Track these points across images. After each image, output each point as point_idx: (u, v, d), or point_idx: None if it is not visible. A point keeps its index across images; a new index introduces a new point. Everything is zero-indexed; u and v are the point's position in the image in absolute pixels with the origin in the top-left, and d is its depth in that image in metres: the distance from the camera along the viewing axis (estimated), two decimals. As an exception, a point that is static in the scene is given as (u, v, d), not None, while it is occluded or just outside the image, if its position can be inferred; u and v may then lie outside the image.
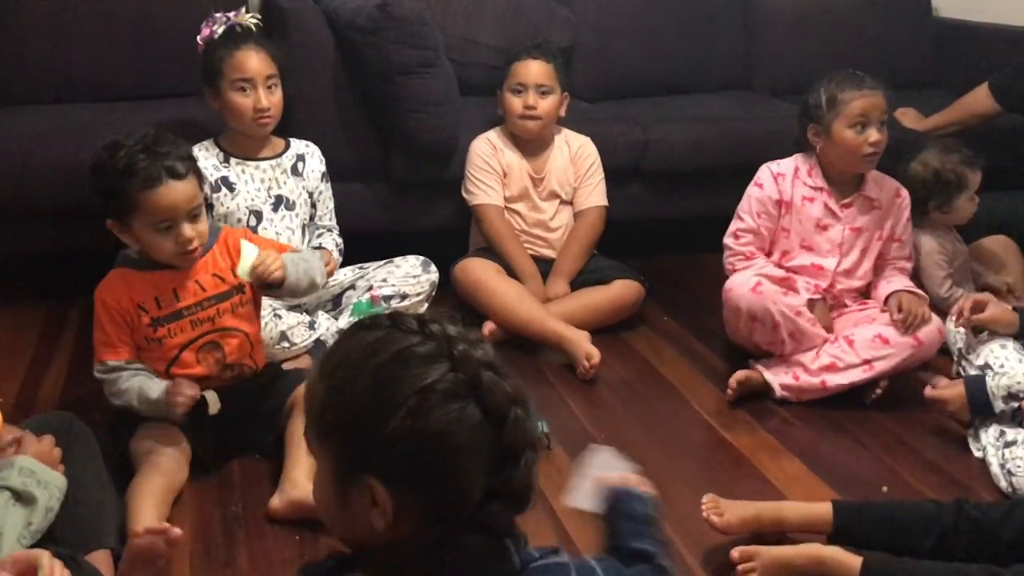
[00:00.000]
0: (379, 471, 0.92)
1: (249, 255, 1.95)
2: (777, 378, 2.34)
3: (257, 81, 2.32)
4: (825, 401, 2.32)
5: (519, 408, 0.95)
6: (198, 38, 2.39)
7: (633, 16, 3.35)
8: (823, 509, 1.75)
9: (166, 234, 1.87)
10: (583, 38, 3.29)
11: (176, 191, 1.85)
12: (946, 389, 2.16)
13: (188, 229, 1.87)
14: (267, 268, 1.94)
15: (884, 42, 3.51)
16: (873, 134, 2.30)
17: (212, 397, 1.96)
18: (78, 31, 2.89)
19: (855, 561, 1.61)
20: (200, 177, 1.94)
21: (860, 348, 2.29)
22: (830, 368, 2.31)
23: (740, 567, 1.65)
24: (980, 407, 2.10)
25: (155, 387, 1.89)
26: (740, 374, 2.34)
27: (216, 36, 2.36)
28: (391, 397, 0.92)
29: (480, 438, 0.93)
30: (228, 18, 2.37)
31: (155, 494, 1.77)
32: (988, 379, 2.09)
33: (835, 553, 1.65)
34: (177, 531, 1.48)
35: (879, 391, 2.32)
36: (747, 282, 2.34)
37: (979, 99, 2.96)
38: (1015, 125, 3.02)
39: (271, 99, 2.35)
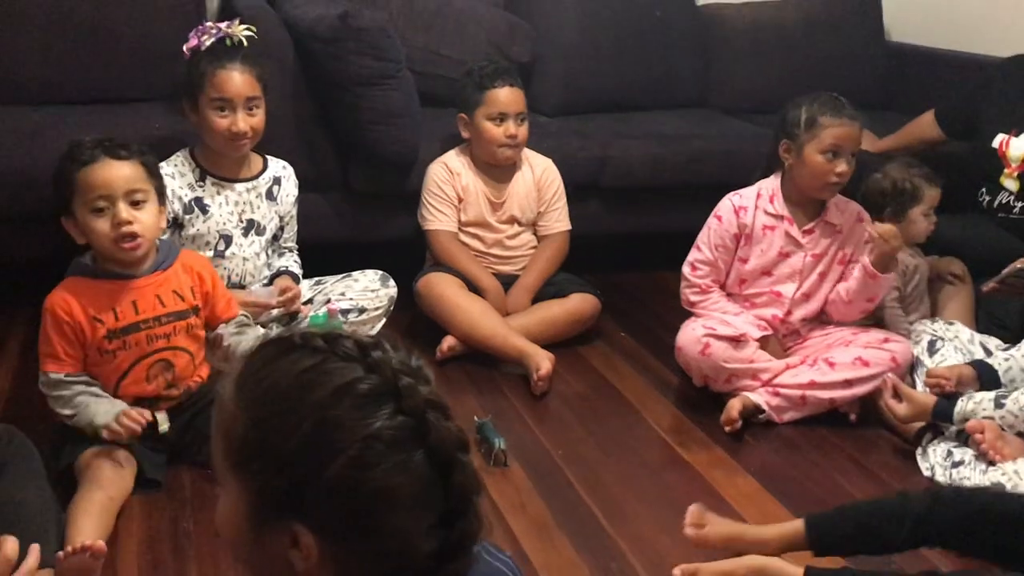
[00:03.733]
0: (308, 520, 0.82)
1: None
2: (761, 397, 2.33)
3: (237, 103, 2.25)
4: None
5: (464, 453, 0.87)
6: (184, 47, 2.31)
7: (593, 33, 3.36)
8: (796, 527, 1.69)
9: (102, 216, 1.84)
10: (543, 53, 3.30)
11: (111, 168, 1.85)
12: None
13: (124, 211, 1.84)
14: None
15: (837, 63, 3.56)
16: (841, 165, 2.30)
17: (162, 417, 1.93)
18: (28, 31, 2.82)
19: (797, 571, 1.62)
20: (153, 174, 1.92)
21: (841, 369, 2.31)
22: (810, 386, 2.32)
23: (684, 584, 1.65)
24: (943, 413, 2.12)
25: (102, 412, 1.85)
26: (737, 403, 2.29)
27: (203, 47, 2.28)
28: (330, 443, 0.81)
29: (426, 490, 0.84)
30: (219, 29, 2.29)
31: (93, 509, 1.73)
32: (962, 400, 2.11)
33: (775, 563, 1.65)
34: (100, 544, 1.43)
35: (853, 417, 2.35)
36: (696, 343, 2.33)
37: (925, 125, 3.01)
38: (956, 151, 3.06)
39: (250, 122, 2.28)
